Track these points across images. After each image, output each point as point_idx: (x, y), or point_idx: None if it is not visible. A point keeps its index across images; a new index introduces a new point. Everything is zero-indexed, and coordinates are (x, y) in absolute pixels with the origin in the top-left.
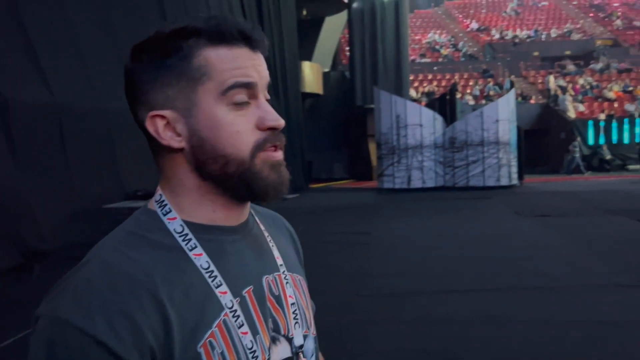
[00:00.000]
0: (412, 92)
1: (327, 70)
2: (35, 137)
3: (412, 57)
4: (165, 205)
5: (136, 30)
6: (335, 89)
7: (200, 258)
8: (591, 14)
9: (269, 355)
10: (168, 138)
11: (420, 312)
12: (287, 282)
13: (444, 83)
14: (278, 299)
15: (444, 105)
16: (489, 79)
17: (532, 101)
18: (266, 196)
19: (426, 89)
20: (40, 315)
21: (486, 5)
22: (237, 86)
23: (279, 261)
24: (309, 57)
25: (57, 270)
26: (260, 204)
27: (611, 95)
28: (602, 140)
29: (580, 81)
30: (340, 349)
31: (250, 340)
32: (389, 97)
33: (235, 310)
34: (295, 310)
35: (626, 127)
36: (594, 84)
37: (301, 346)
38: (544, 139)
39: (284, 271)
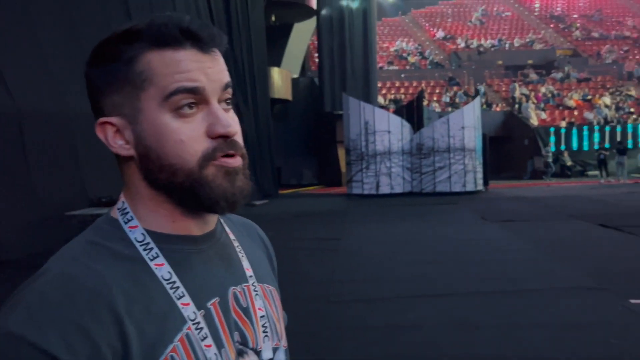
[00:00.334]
0: (380, 99)
1: (296, 76)
2: None
3: (380, 65)
4: (127, 213)
5: (101, 31)
6: (304, 95)
7: (162, 268)
8: (552, 25)
9: None
10: (117, 146)
11: (390, 318)
12: (256, 294)
13: (411, 90)
14: (246, 311)
15: (412, 112)
16: (456, 87)
17: (497, 109)
18: (217, 207)
19: (393, 96)
20: None
21: (452, 15)
22: (181, 91)
23: (249, 272)
24: (277, 63)
25: (18, 281)
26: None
27: (571, 103)
28: (563, 147)
29: (542, 89)
30: (310, 356)
31: (215, 354)
32: (357, 104)
33: (199, 323)
34: (265, 322)
35: (585, 134)
36: (555, 92)
37: (270, 359)
38: (508, 146)
39: (253, 282)
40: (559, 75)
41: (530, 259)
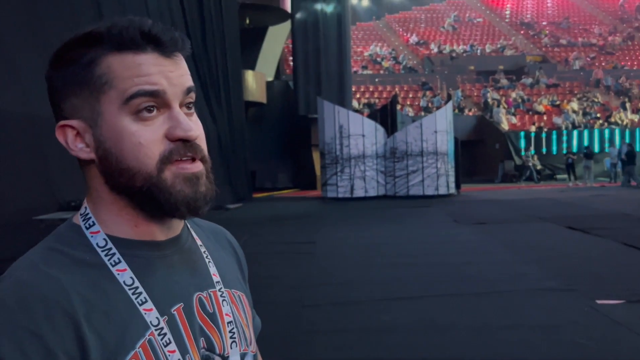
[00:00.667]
0: (355, 103)
1: (270, 79)
2: None
3: (354, 69)
4: (89, 218)
5: (70, 32)
6: (279, 98)
7: (124, 274)
8: (522, 32)
9: None
10: (77, 149)
11: (365, 321)
12: (223, 299)
13: (384, 95)
14: (213, 316)
15: (385, 117)
16: (429, 92)
17: (470, 113)
18: (177, 212)
19: (368, 100)
20: None
21: (425, 20)
22: (140, 95)
23: (216, 278)
24: (252, 66)
25: None
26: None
27: (540, 108)
28: (532, 151)
29: (513, 95)
30: None
31: (179, 359)
32: (332, 108)
33: (162, 328)
34: (233, 328)
35: (554, 139)
36: (525, 97)
37: None
38: (480, 150)
39: (220, 288)
40: (529, 80)
41: (502, 261)
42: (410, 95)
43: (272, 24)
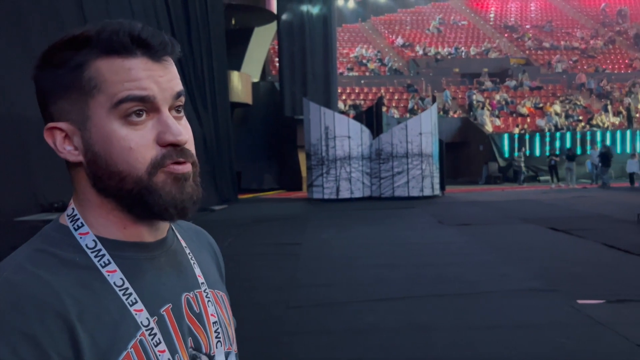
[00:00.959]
0: (340, 105)
1: (256, 80)
2: None
3: (340, 70)
4: (78, 219)
5: (53, 33)
6: (264, 99)
7: (114, 275)
8: (506, 35)
9: None
10: (66, 152)
11: (349, 322)
12: (208, 300)
13: (370, 96)
14: (199, 316)
15: (371, 118)
16: (414, 94)
17: (455, 115)
18: (166, 214)
19: (353, 102)
20: None
21: (410, 22)
22: (129, 100)
23: (200, 278)
24: (238, 67)
25: None
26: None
27: (524, 110)
28: (516, 153)
29: (497, 97)
30: None
31: (168, 359)
32: (318, 109)
33: (152, 329)
34: (218, 328)
35: (537, 141)
36: (509, 99)
37: None
38: (464, 151)
39: (205, 288)
40: (513, 83)
41: (485, 262)
42: (396, 97)
43: (258, 25)
